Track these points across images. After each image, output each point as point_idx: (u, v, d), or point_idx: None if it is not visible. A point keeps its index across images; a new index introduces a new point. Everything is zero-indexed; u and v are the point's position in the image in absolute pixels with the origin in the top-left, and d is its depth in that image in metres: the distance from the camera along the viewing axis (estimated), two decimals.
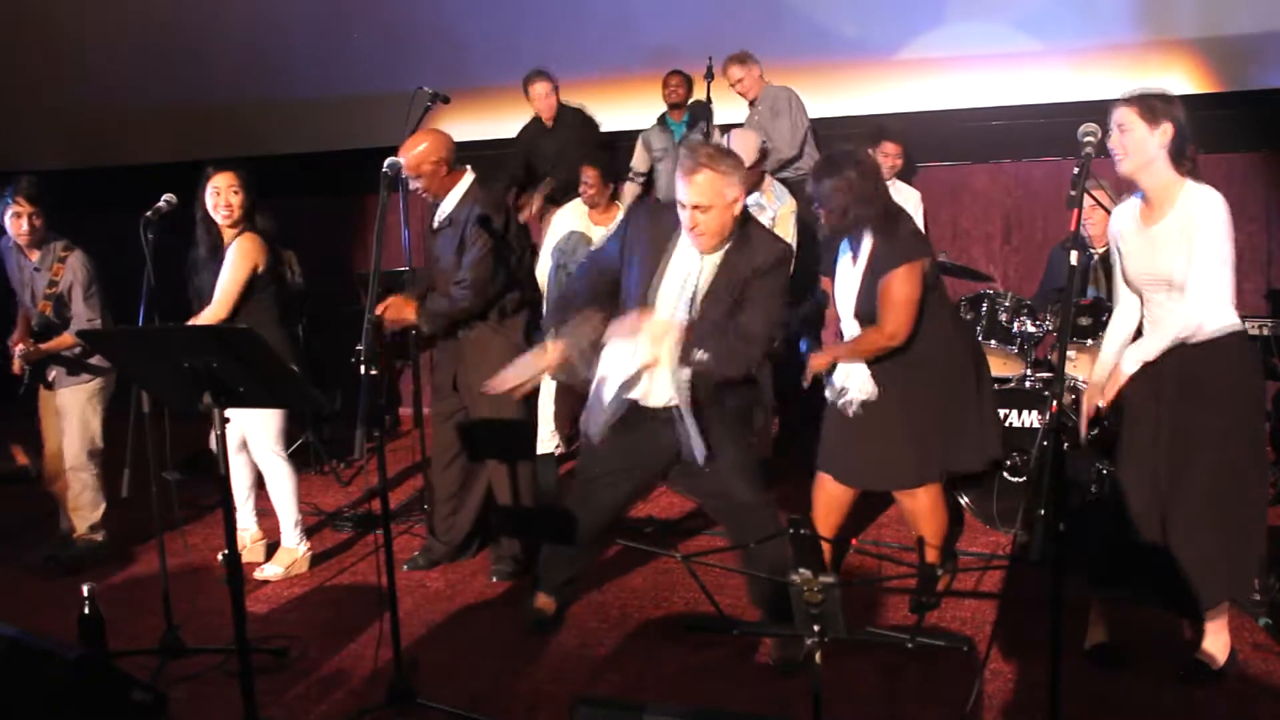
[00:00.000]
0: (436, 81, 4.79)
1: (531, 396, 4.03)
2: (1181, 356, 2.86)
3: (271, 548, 4.28)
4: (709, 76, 5.45)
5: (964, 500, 4.31)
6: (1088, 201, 4.04)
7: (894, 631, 2.78)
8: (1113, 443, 3.16)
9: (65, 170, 7.41)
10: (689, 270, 3.13)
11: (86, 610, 3.14)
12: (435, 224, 3.89)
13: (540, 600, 3.59)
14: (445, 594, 3.93)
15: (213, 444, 4.03)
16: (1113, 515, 3.01)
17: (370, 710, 3.02)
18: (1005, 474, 4.17)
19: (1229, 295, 2.82)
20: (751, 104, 5.65)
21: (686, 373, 3.07)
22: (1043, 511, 2.29)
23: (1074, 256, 2.43)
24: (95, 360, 4.22)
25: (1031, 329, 4.41)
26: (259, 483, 4.23)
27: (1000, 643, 3.29)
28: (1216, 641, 3.04)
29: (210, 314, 3.87)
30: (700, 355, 3.02)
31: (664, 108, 5.98)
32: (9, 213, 4.11)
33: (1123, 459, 3.03)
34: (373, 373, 2.88)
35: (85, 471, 4.29)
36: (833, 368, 3.48)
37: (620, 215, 4.72)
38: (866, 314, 3.39)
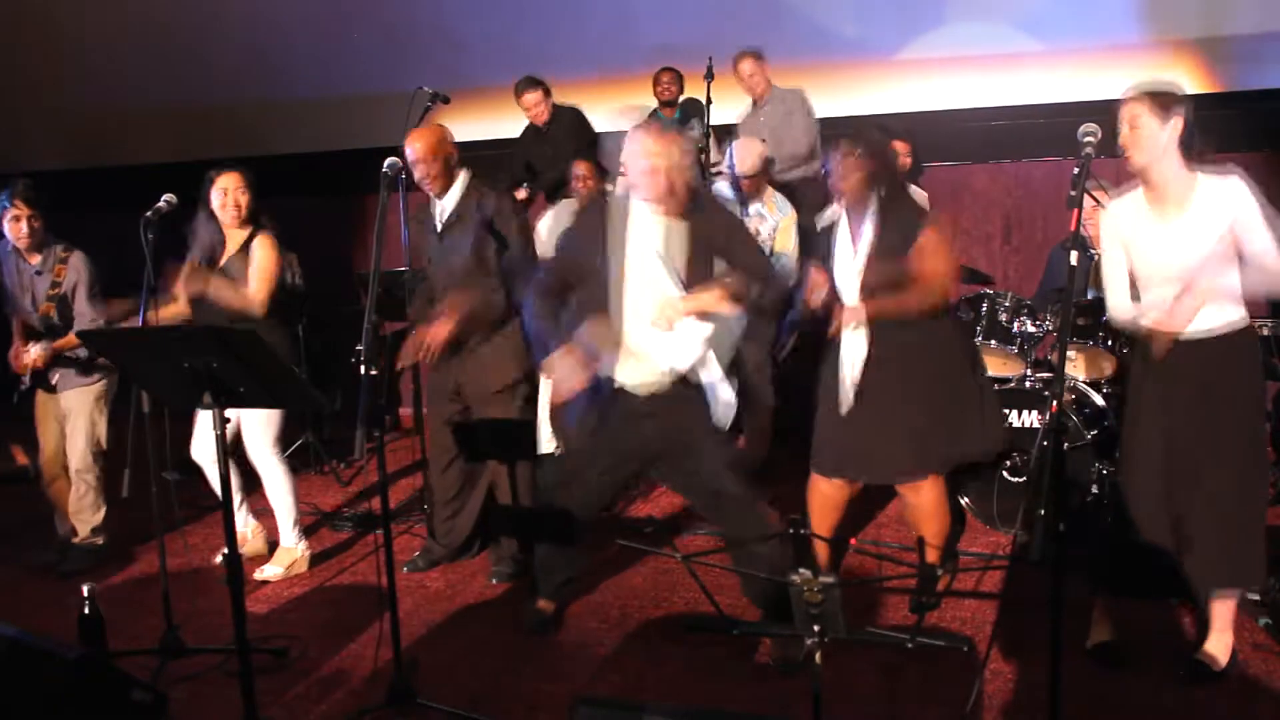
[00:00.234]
0: (436, 81, 4.78)
1: (532, 397, 4.04)
2: (1194, 356, 2.86)
3: (271, 547, 4.28)
4: (709, 76, 5.44)
5: (964, 500, 4.31)
6: (1088, 201, 4.03)
7: (894, 631, 2.79)
8: (1113, 443, 3.16)
9: (65, 170, 7.41)
10: (656, 246, 3.19)
11: (86, 610, 3.14)
12: (440, 224, 3.82)
13: (540, 603, 3.60)
14: (445, 594, 3.93)
15: (193, 452, 4.08)
16: (1115, 514, 3.01)
17: (370, 710, 3.02)
18: (1005, 474, 4.17)
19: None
20: (755, 104, 5.64)
21: (708, 331, 3.17)
22: (1043, 511, 2.29)
23: (1074, 256, 2.43)
24: (103, 360, 4.21)
25: (1031, 329, 4.41)
26: (249, 485, 4.22)
27: (1000, 643, 3.29)
28: (1220, 642, 3.03)
29: (253, 291, 3.88)
30: (754, 289, 3.18)
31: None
32: (8, 216, 4.10)
33: (1130, 456, 3.02)
34: (373, 373, 2.88)
35: (90, 474, 4.29)
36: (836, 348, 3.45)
37: None
38: (876, 285, 3.34)
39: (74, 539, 4.37)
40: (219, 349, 2.53)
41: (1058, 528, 2.28)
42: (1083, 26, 5.74)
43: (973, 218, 6.09)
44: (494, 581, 3.99)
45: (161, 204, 3.51)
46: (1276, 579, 3.30)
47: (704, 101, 5.42)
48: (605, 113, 6.20)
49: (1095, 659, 3.12)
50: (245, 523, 4.29)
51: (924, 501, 3.49)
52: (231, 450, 4.08)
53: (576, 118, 5.99)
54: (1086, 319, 4.25)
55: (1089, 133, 2.56)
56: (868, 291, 3.34)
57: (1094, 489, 3.92)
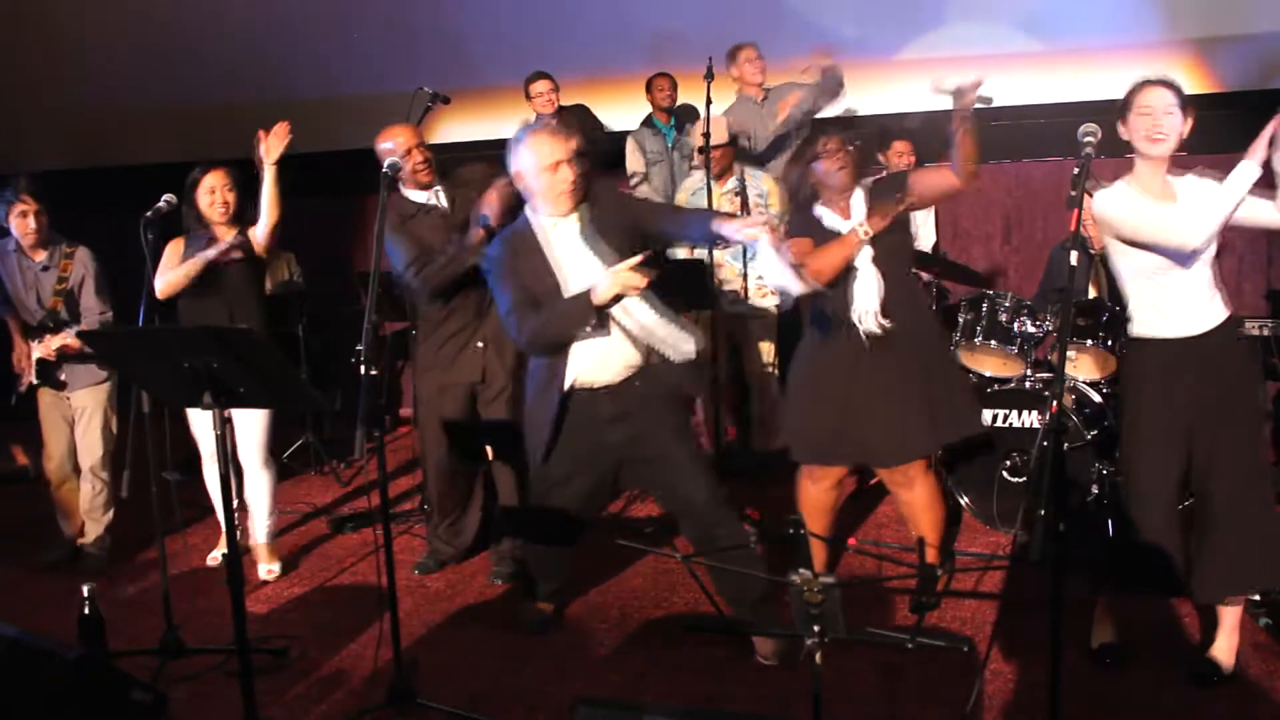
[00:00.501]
0: (436, 81, 4.78)
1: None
2: (1193, 354, 2.86)
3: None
4: (709, 76, 5.43)
5: (964, 500, 4.31)
6: (1088, 201, 4.04)
7: (894, 631, 2.78)
8: (1113, 443, 3.16)
9: (65, 170, 7.39)
10: (585, 252, 3.13)
11: (86, 610, 3.14)
12: (416, 210, 3.75)
13: (539, 603, 3.60)
14: (445, 594, 3.93)
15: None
16: (1115, 514, 3.01)
17: (370, 710, 3.02)
18: (1005, 474, 4.17)
19: None
20: (760, 100, 5.63)
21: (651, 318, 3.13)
22: (1043, 511, 2.29)
23: (1074, 256, 2.43)
24: None
25: (1031, 329, 4.40)
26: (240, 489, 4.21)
27: (1000, 643, 3.29)
28: (1226, 644, 3.03)
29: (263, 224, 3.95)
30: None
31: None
32: (15, 212, 4.09)
33: (1131, 457, 3.01)
34: (373, 373, 2.88)
35: (105, 472, 4.29)
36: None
37: None
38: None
39: (80, 539, 4.36)
40: (219, 349, 2.53)
41: (1058, 528, 2.28)
42: (1083, 26, 5.74)
43: (973, 218, 6.09)
44: (494, 581, 3.99)
45: (161, 204, 3.50)
46: None
47: (705, 102, 5.41)
48: (605, 112, 6.19)
49: (1098, 660, 3.12)
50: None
51: (918, 496, 3.49)
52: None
53: (583, 114, 5.99)
54: (1086, 319, 4.24)
55: (1089, 133, 2.56)
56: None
57: (1094, 489, 3.92)
